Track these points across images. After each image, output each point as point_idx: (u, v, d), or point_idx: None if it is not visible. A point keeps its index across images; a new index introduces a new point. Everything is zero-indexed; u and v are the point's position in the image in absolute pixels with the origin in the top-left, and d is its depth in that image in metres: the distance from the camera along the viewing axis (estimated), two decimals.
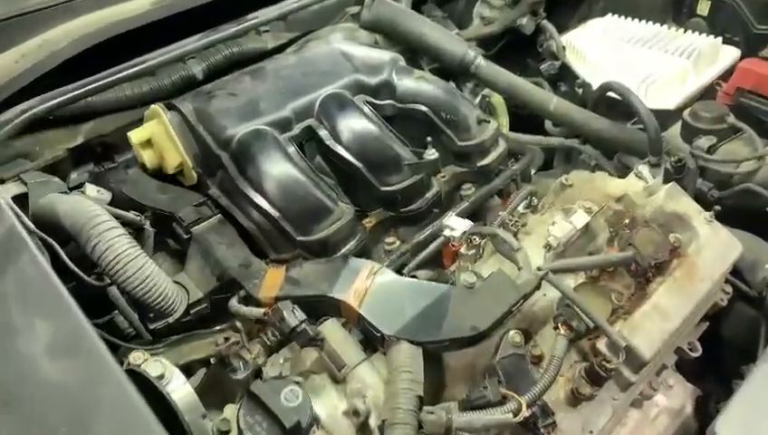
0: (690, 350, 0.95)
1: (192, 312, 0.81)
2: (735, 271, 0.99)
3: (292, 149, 0.92)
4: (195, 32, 1.15)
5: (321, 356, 0.72)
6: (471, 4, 1.47)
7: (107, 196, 0.93)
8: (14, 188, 0.85)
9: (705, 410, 1.00)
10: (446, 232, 0.85)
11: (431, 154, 0.95)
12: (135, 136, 0.93)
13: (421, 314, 0.73)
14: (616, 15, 1.55)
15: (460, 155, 1.04)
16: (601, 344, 0.80)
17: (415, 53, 1.17)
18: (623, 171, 1.14)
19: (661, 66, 1.31)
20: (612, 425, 0.84)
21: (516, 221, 0.93)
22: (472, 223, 0.87)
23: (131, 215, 0.87)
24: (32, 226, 0.73)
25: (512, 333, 0.76)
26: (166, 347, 0.78)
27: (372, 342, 0.75)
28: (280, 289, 0.78)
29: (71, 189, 0.93)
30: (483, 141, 1.02)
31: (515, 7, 1.43)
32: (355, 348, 0.73)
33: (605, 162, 1.16)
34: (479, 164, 1.04)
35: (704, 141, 1.13)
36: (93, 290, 0.78)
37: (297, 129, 0.94)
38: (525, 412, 0.68)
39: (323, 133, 0.94)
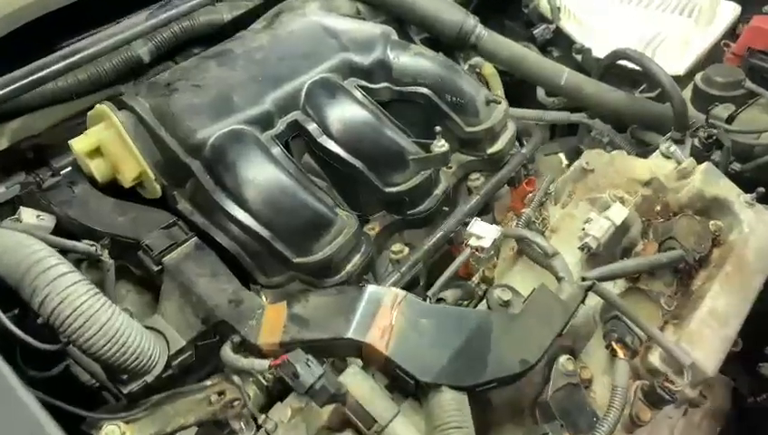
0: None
1: (174, 364, 0.66)
2: None
3: (277, 151, 0.76)
4: (137, 4, 0.97)
5: (344, 412, 0.59)
6: None
7: (49, 221, 0.75)
8: None
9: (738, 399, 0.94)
10: (473, 241, 0.72)
11: (441, 146, 0.81)
12: (78, 145, 0.76)
13: (461, 350, 0.61)
14: None
15: (467, 142, 0.90)
16: (654, 358, 0.71)
17: (402, 23, 1.01)
18: (639, 148, 1.04)
19: (663, 26, 1.20)
20: None
21: (544, 219, 0.81)
22: (500, 228, 0.74)
23: (83, 245, 0.70)
24: None
25: (562, 359, 0.65)
26: (146, 412, 0.63)
27: (403, 387, 0.62)
28: (284, 331, 0.63)
29: None
30: (493, 126, 0.89)
31: None
32: (385, 399, 0.60)
33: (619, 138, 1.05)
34: (489, 151, 0.91)
35: (721, 110, 1.03)
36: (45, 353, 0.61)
37: (281, 124, 0.79)
38: None
39: (312, 128, 0.79)
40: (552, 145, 1.24)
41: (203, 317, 0.67)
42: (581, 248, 0.76)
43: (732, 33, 1.24)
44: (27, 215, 0.74)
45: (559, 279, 0.70)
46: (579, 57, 1.18)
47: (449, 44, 1.01)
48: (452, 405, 0.58)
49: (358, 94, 0.82)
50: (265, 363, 0.60)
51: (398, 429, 0.59)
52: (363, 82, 0.85)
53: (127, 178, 0.76)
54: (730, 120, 1.02)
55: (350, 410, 0.59)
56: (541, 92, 1.17)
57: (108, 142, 0.75)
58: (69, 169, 0.84)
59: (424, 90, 0.86)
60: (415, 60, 0.87)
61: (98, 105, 0.77)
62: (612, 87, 1.02)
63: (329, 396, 0.57)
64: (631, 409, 0.68)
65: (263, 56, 0.83)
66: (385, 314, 0.62)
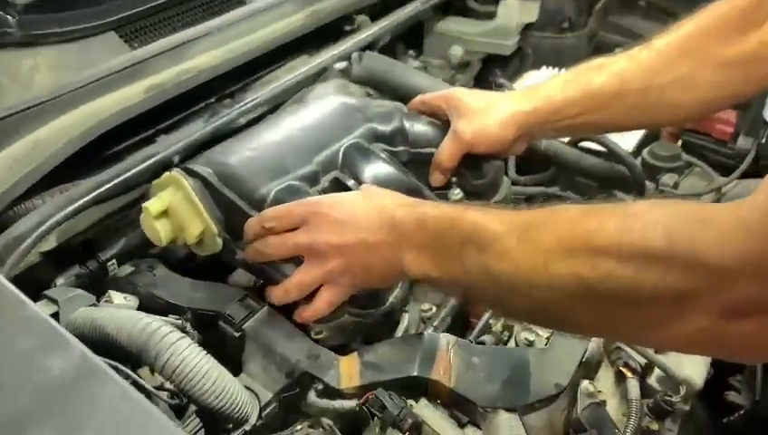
0: None
1: (264, 414, 0.77)
2: None
3: None
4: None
5: None
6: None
7: (134, 302, 0.86)
8: (44, 309, 0.76)
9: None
10: None
11: (457, 194, 0.99)
12: (153, 206, 0.86)
13: (508, 380, 0.75)
14: (550, 67, 1.69)
15: (472, 194, 1.07)
16: (652, 380, 0.87)
17: (406, 102, 1.17)
18: None
19: None
20: None
21: None
22: None
23: (172, 319, 0.81)
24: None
25: (585, 383, 0.80)
26: None
27: (465, 415, 0.75)
28: (361, 376, 0.76)
29: None
30: (495, 178, 1.07)
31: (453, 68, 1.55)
32: (452, 425, 0.74)
33: None
34: (493, 200, 1.08)
35: (667, 178, 1.26)
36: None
37: (324, 181, 0.93)
38: None
39: (351, 183, 0.93)
40: None
41: (286, 372, 0.79)
42: None
43: None
44: (117, 297, 0.85)
45: None
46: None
47: None
48: (508, 422, 0.71)
49: (384, 155, 0.99)
50: (353, 403, 0.73)
51: None
52: (386, 146, 1.02)
53: (192, 235, 0.86)
54: (675, 186, 1.26)
55: None
56: (512, 172, 1.38)
57: (176, 204, 0.87)
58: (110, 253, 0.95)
59: (435, 150, 1.02)
60: (427, 126, 1.05)
61: (167, 173, 0.89)
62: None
63: (412, 424, 0.70)
64: (642, 422, 0.83)
65: (304, 126, 0.99)
66: (443, 356, 0.77)
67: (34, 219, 0.83)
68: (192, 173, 0.89)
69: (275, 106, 1.16)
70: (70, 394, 0.60)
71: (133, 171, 0.93)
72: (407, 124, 1.04)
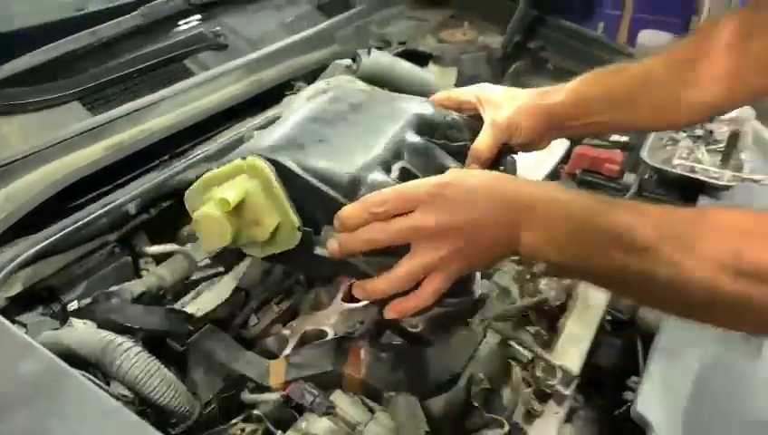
0: None
1: (204, 413, 0.90)
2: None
3: None
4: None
5: (335, 422, 0.86)
6: None
7: (93, 327, 0.99)
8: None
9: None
10: None
11: None
12: (231, 197, 0.75)
13: (410, 370, 0.91)
14: None
15: None
16: (538, 371, 1.04)
17: None
18: None
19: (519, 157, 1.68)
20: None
21: None
22: None
23: (126, 338, 0.95)
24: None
25: (478, 375, 0.97)
26: None
27: (375, 402, 0.90)
28: (286, 374, 0.91)
29: None
30: (512, 173, 1.07)
31: None
32: (363, 409, 0.88)
33: None
34: None
35: None
36: None
37: (395, 171, 0.88)
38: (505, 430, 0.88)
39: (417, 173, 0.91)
40: None
41: (224, 376, 0.93)
42: None
43: (566, 159, 1.73)
44: (77, 323, 0.98)
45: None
46: None
47: None
48: (407, 403, 0.87)
49: (438, 151, 0.96)
50: (277, 395, 0.87)
51: (372, 428, 0.86)
52: (434, 140, 0.97)
53: (267, 229, 0.77)
54: None
55: (339, 419, 0.86)
56: None
57: (254, 193, 0.76)
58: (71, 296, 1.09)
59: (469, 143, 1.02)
60: (460, 119, 1.04)
61: (238, 160, 0.79)
62: None
63: (325, 408, 0.85)
64: (528, 405, 1.00)
65: (356, 118, 0.96)
66: (355, 353, 0.92)
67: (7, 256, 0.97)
68: (266, 160, 0.78)
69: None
70: (40, 389, 0.74)
71: (89, 218, 1.08)
72: (436, 116, 1.00)
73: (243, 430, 0.88)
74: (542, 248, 0.68)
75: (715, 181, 1.49)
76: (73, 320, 0.99)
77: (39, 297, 1.10)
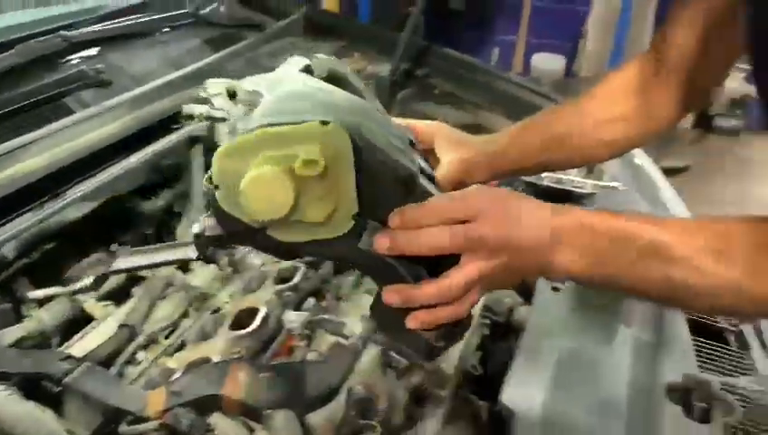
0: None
1: None
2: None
3: None
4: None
5: None
6: None
7: None
8: None
9: None
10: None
11: None
12: (308, 154, 0.60)
13: (287, 387, 0.95)
14: None
15: None
16: (416, 378, 1.10)
17: None
18: None
19: None
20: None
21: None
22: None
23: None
24: None
25: (357, 385, 1.02)
26: None
27: (255, 421, 0.93)
28: (167, 402, 0.92)
29: None
30: None
31: None
32: (243, 430, 0.91)
33: None
34: None
35: None
36: None
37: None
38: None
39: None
40: None
41: (102, 411, 0.93)
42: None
43: None
44: None
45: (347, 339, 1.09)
46: None
47: None
48: (284, 418, 0.91)
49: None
50: (154, 424, 0.89)
51: None
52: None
53: (328, 208, 0.64)
54: None
55: None
56: None
57: (329, 164, 0.62)
58: None
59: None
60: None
61: (311, 122, 0.61)
62: None
63: (203, 432, 0.87)
64: (408, 412, 1.06)
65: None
66: (233, 375, 0.95)
67: None
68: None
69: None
70: None
71: None
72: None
73: None
74: (576, 267, 0.69)
75: (580, 190, 1.66)
76: None
77: None
